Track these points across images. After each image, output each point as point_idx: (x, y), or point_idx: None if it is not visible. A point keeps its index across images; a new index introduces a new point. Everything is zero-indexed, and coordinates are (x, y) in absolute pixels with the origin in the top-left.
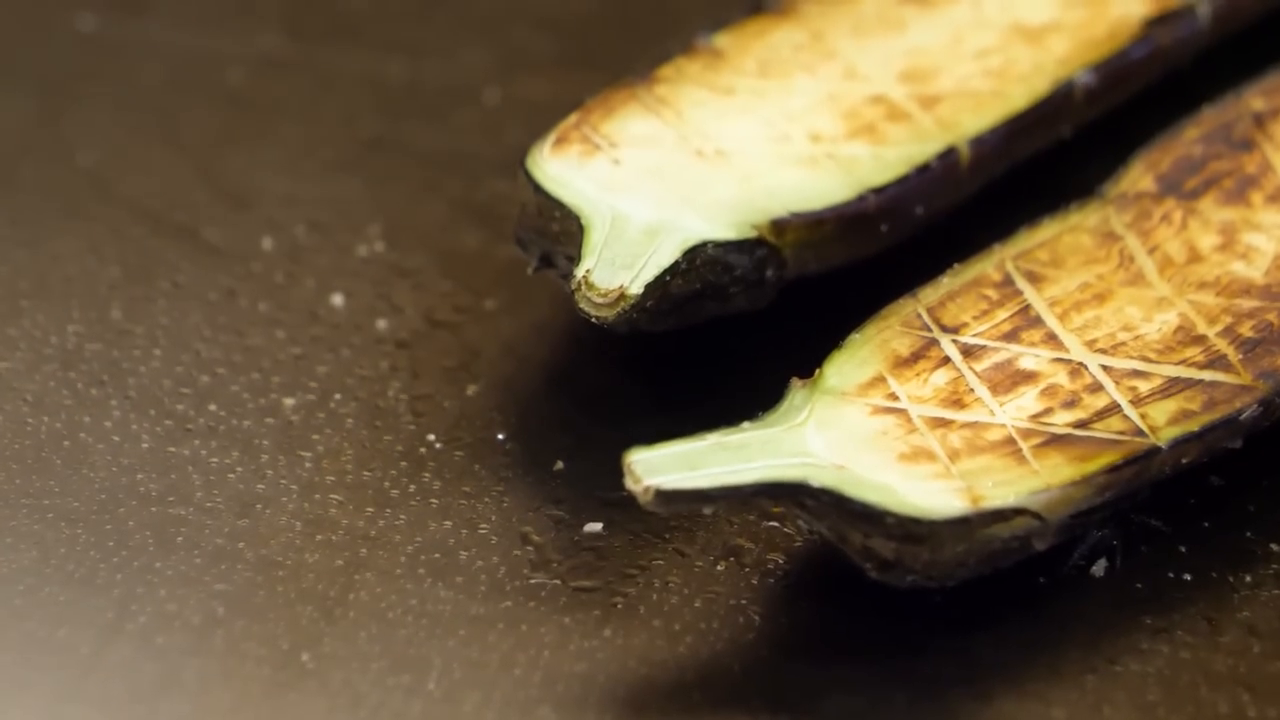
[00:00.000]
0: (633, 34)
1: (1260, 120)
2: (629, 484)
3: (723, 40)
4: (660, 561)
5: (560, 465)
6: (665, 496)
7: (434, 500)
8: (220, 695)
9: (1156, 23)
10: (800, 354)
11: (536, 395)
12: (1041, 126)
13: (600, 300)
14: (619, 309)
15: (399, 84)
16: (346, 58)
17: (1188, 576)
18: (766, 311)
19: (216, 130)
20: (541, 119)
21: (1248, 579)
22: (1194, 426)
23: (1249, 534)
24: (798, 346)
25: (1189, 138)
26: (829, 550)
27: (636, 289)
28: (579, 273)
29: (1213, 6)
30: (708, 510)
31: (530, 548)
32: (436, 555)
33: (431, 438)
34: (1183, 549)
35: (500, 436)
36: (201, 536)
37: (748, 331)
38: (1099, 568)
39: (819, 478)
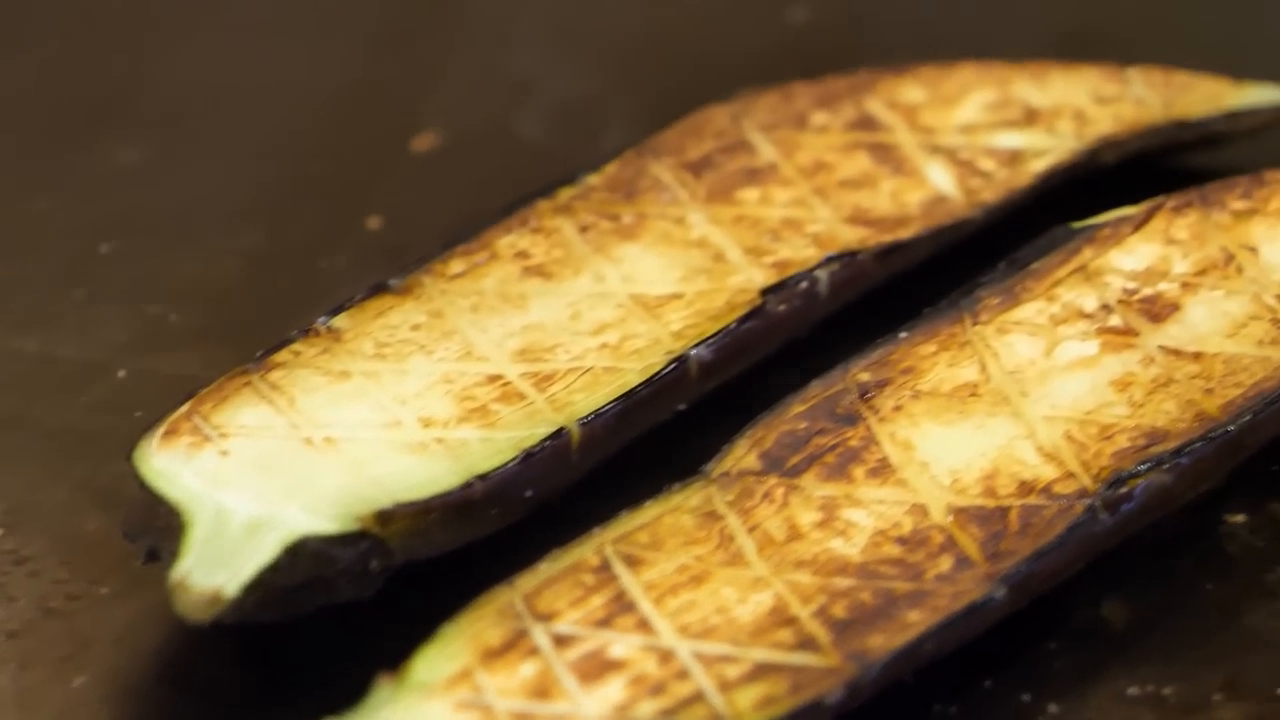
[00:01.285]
0: (275, 308)
1: (865, 393)
2: None
3: (342, 321)
4: None
5: None
6: None
7: None
8: None
9: (772, 291)
10: (402, 642)
11: (144, 685)
12: (656, 402)
13: (195, 603)
14: (214, 610)
15: (32, 359)
16: None
17: None
18: (379, 597)
19: None
20: (173, 397)
21: None
22: (778, 711)
23: None
24: (402, 636)
25: (794, 413)
26: None
27: (233, 590)
28: (175, 573)
29: (830, 276)
30: None
31: None
32: None
33: None
34: None
35: None
36: None
37: (360, 618)
38: None
39: None
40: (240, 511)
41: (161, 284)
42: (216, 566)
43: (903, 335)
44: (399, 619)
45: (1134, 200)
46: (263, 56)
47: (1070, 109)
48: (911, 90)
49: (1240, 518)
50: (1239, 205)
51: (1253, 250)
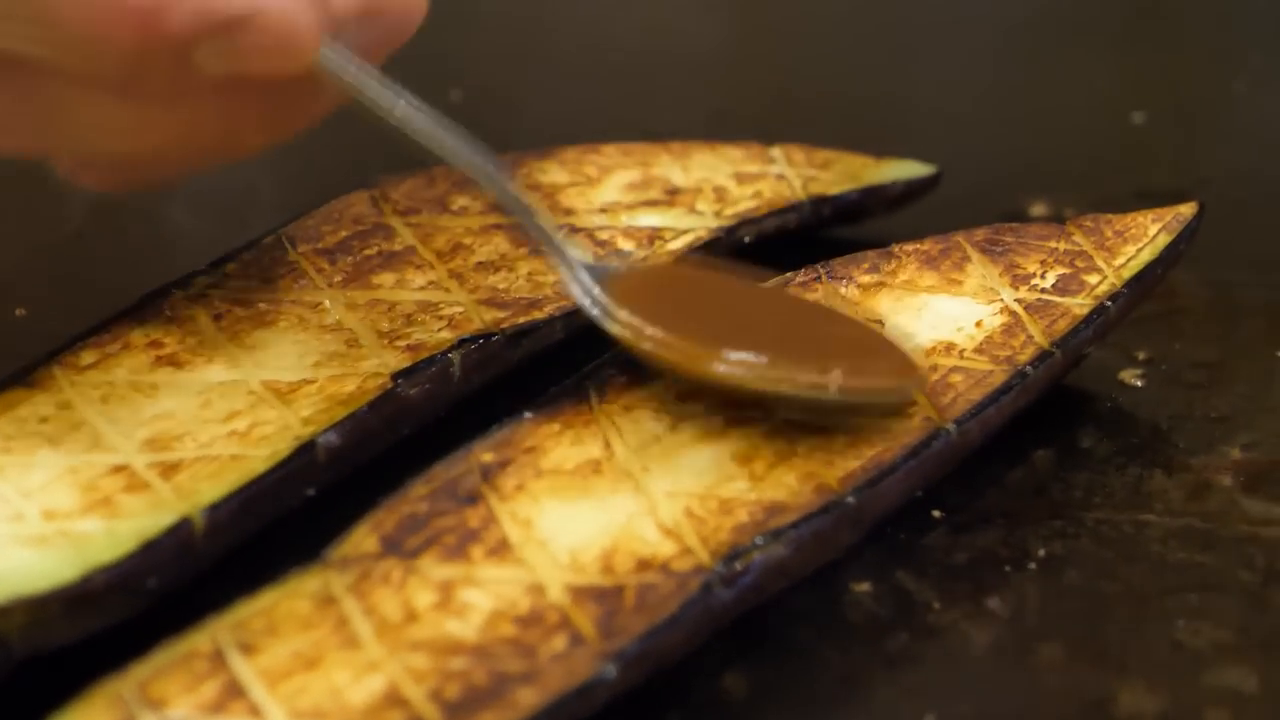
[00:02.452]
0: None
1: (488, 473)
2: None
3: None
4: None
5: None
6: None
7: None
8: None
9: (403, 375)
10: None
11: None
12: (284, 489)
13: None
14: None
15: None
16: None
17: None
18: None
19: None
20: None
21: None
22: None
23: None
24: None
25: (416, 495)
26: None
27: None
28: None
29: (462, 358)
30: None
31: None
32: None
33: None
34: None
35: None
36: None
37: None
38: None
39: None
40: None
41: None
42: None
43: (527, 415)
44: (15, 712)
45: (771, 273)
46: None
47: (711, 187)
48: (554, 171)
49: (865, 586)
50: (866, 279)
51: (879, 323)
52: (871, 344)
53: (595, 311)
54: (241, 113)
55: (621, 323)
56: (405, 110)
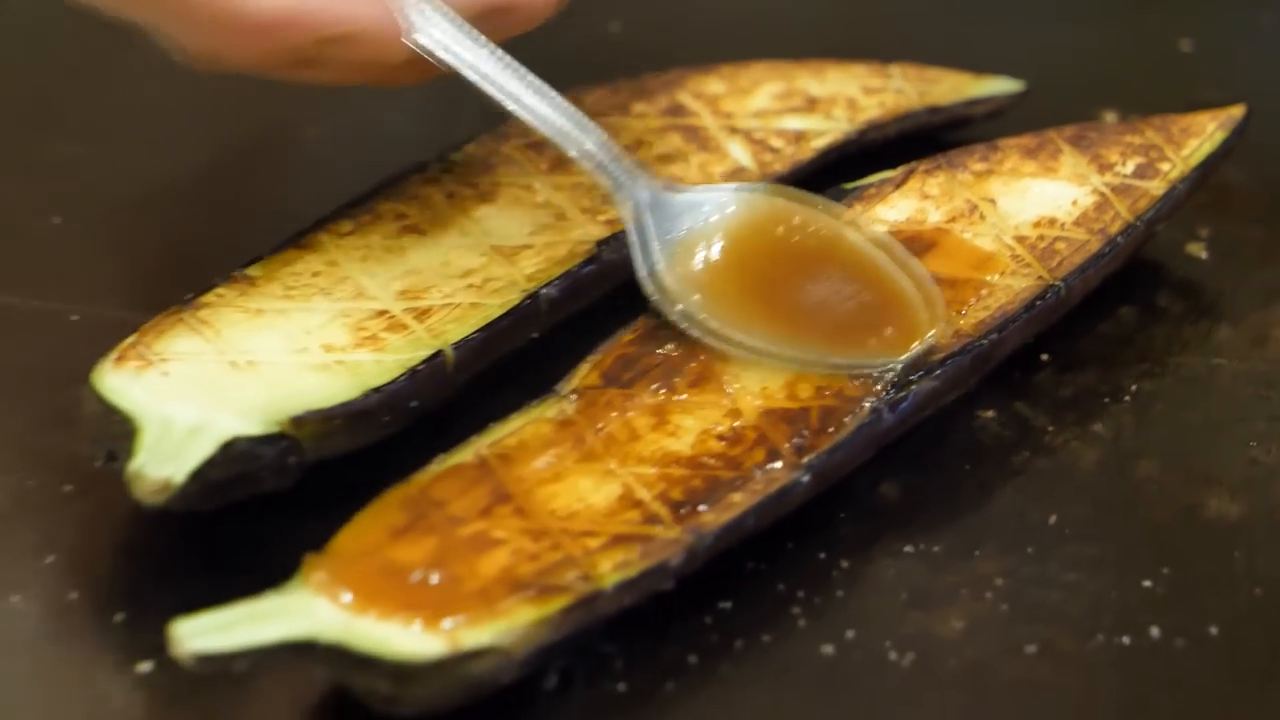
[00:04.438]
0: (201, 263)
1: (688, 319)
2: (173, 649)
3: (255, 270)
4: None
5: (121, 618)
6: (203, 659)
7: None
8: None
9: (604, 244)
10: (320, 527)
11: (104, 562)
12: (514, 331)
13: (151, 489)
14: (165, 496)
15: None
16: None
17: (622, 687)
18: (295, 491)
19: None
20: (119, 335)
21: (670, 687)
22: (631, 572)
23: (673, 648)
24: (319, 523)
25: (626, 340)
26: (343, 689)
27: (179, 479)
28: (132, 467)
29: None
30: (241, 667)
31: (87, 687)
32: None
33: (17, 600)
34: (619, 664)
35: (73, 595)
36: None
37: (279, 508)
38: (552, 682)
39: (324, 636)
40: (181, 418)
41: (105, 244)
42: (165, 461)
43: None
44: (315, 510)
45: (894, 166)
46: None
47: (843, 98)
48: (714, 84)
49: (990, 414)
50: (979, 167)
51: (992, 201)
52: (892, 304)
53: (650, 287)
54: (354, 78)
55: (672, 305)
56: (503, 81)
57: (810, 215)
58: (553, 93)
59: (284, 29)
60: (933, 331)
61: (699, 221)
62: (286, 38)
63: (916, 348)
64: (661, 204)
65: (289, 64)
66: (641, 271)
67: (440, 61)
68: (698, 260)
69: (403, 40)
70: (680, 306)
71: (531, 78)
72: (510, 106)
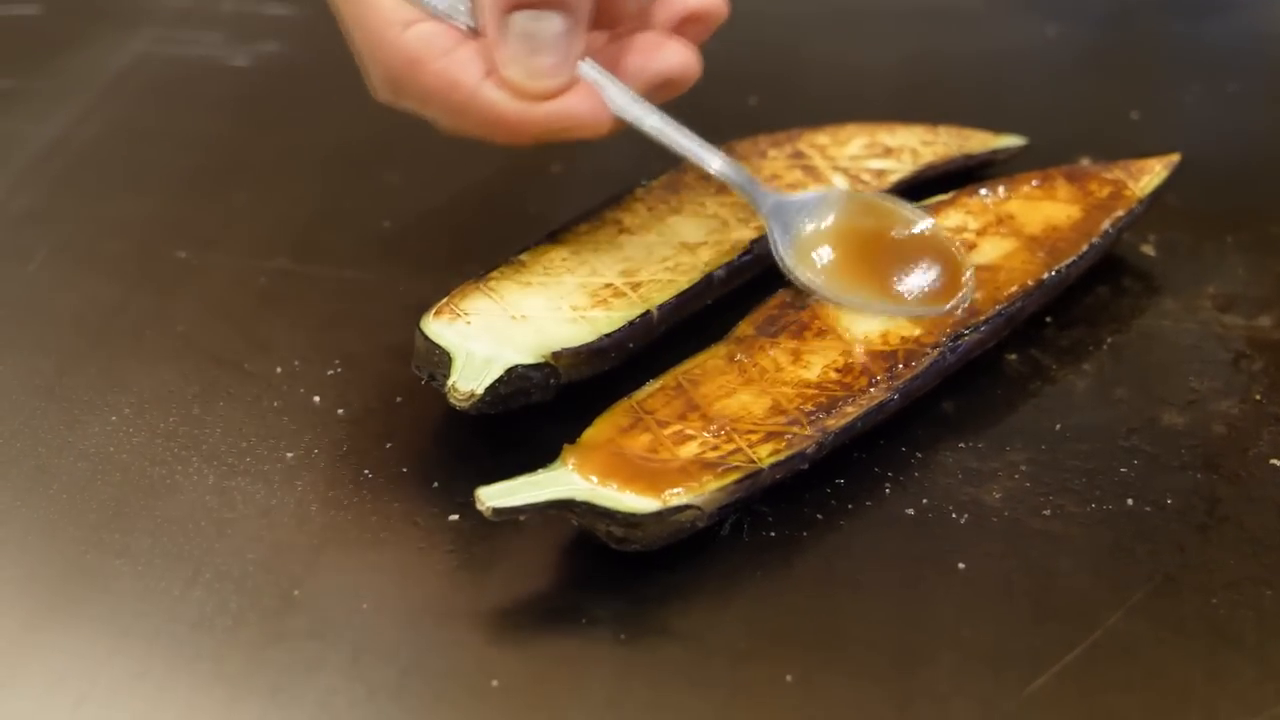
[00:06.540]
0: (488, 247)
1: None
2: (478, 505)
3: (524, 257)
4: (500, 533)
5: (437, 484)
6: (497, 511)
7: (373, 493)
8: None
9: (755, 241)
10: (572, 427)
11: (427, 448)
12: (695, 299)
13: (460, 398)
14: (471, 402)
15: (352, 284)
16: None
17: (772, 534)
18: (554, 402)
19: None
20: (435, 298)
21: (805, 534)
22: (781, 456)
23: (806, 508)
24: (572, 423)
25: (773, 303)
26: (589, 533)
27: (479, 392)
28: (449, 384)
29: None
30: (522, 517)
31: (416, 528)
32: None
33: (367, 472)
34: (770, 518)
35: (404, 469)
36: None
37: (544, 413)
38: (726, 529)
39: (578, 496)
40: (479, 352)
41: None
42: (469, 380)
43: None
44: (569, 415)
45: (944, 192)
46: None
47: (908, 148)
48: (822, 137)
49: (1014, 356)
50: (1002, 193)
51: (1012, 216)
52: (944, 272)
53: (785, 266)
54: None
55: (800, 278)
56: (662, 130)
57: (891, 210)
58: (708, 144)
59: (529, 126)
60: (963, 293)
61: (815, 219)
62: (529, 132)
63: (954, 301)
64: (784, 207)
65: (529, 141)
66: (779, 256)
67: (629, 123)
68: (817, 245)
69: (611, 119)
70: (806, 278)
71: (692, 133)
72: (683, 152)
